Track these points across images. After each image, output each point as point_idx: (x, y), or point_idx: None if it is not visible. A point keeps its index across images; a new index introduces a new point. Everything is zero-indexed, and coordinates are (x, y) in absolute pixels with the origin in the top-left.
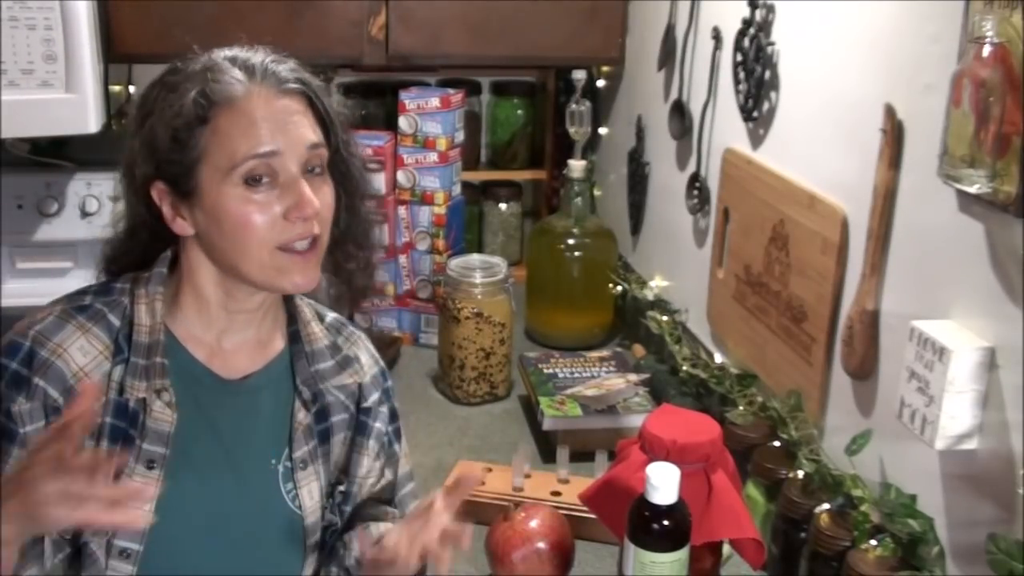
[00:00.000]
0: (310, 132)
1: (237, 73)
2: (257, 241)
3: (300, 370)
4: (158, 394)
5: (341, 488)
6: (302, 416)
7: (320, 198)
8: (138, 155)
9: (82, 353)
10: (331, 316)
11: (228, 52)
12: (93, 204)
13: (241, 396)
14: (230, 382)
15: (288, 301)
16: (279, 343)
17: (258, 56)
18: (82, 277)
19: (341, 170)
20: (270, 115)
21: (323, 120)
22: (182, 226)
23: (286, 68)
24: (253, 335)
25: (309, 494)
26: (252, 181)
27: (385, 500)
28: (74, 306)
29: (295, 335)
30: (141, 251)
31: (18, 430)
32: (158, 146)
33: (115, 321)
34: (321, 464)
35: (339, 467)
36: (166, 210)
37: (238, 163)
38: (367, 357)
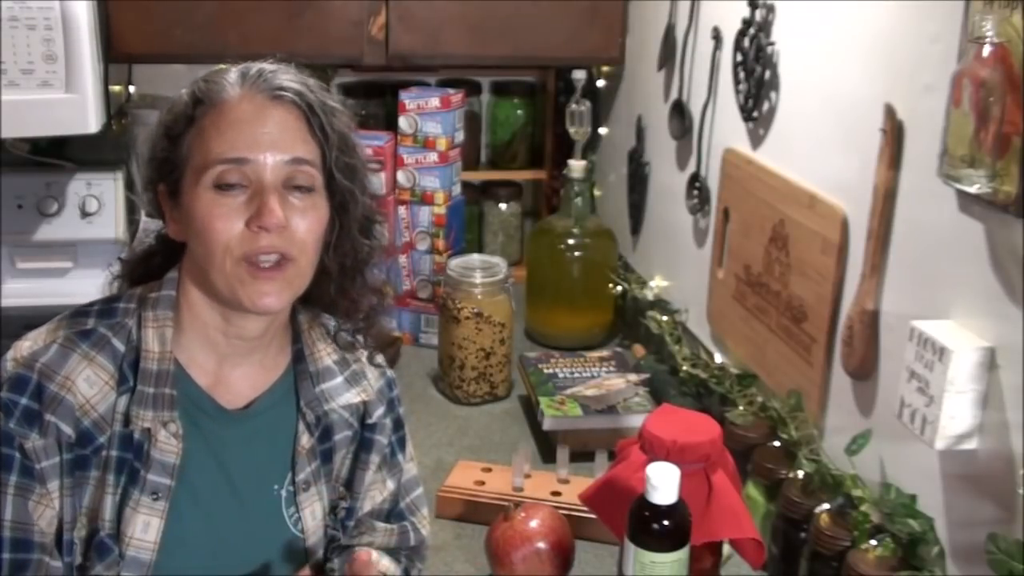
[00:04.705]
0: (295, 145)
1: (231, 76)
2: (221, 248)
3: (304, 391)
4: (164, 425)
5: (345, 504)
6: (305, 440)
7: (299, 218)
8: (146, 155)
9: (88, 384)
10: (337, 327)
11: (246, 63)
12: (93, 204)
13: (244, 424)
14: (233, 412)
15: (292, 317)
16: (283, 362)
17: (264, 64)
18: (82, 277)
19: (337, 195)
20: (250, 120)
21: (319, 137)
22: (174, 231)
23: (286, 77)
24: (257, 361)
25: (312, 515)
26: (224, 186)
27: (384, 512)
28: (76, 332)
29: (299, 353)
30: (158, 263)
31: (35, 466)
32: (156, 145)
33: (119, 347)
34: (324, 484)
35: (341, 483)
36: (166, 214)
37: (209, 165)
38: (373, 371)
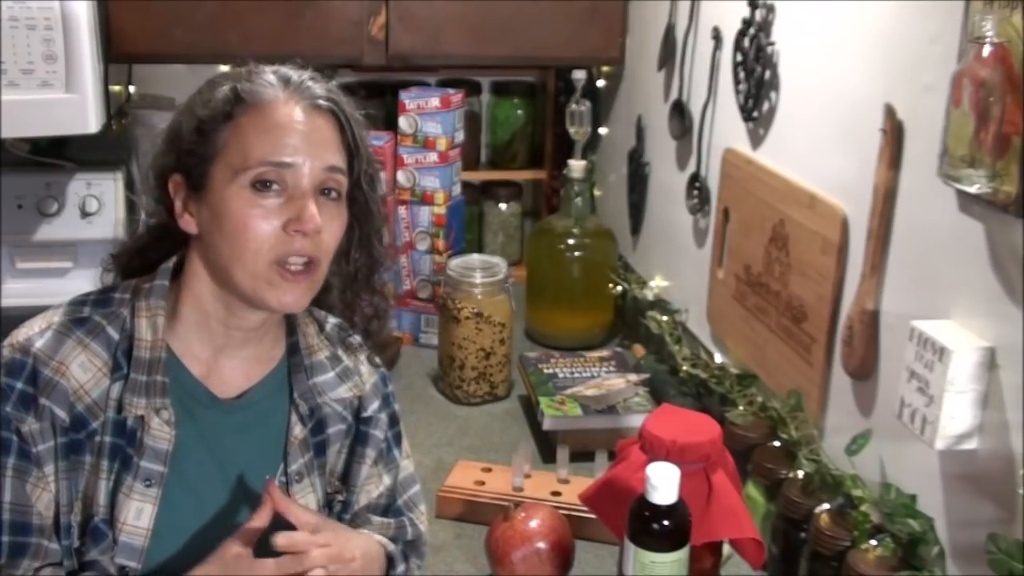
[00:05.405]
0: (332, 154)
1: (271, 78)
2: (253, 248)
3: (298, 383)
4: (157, 412)
5: (340, 498)
6: (298, 431)
7: (328, 224)
8: (163, 145)
9: (82, 370)
10: (331, 324)
11: (276, 66)
12: (93, 204)
13: (237, 413)
14: (226, 401)
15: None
16: (277, 354)
17: (300, 72)
18: (82, 277)
19: (360, 204)
20: (293, 125)
21: (350, 147)
22: (188, 223)
23: (323, 87)
24: (252, 353)
25: (305, 507)
26: (261, 186)
27: (381, 507)
28: (72, 319)
29: (294, 346)
30: (153, 255)
31: (31, 449)
32: (182, 136)
33: (114, 335)
34: (317, 476)
35: (336, 476)
36: (177, 204)
37: (250, 166)
38: (367, 366)
